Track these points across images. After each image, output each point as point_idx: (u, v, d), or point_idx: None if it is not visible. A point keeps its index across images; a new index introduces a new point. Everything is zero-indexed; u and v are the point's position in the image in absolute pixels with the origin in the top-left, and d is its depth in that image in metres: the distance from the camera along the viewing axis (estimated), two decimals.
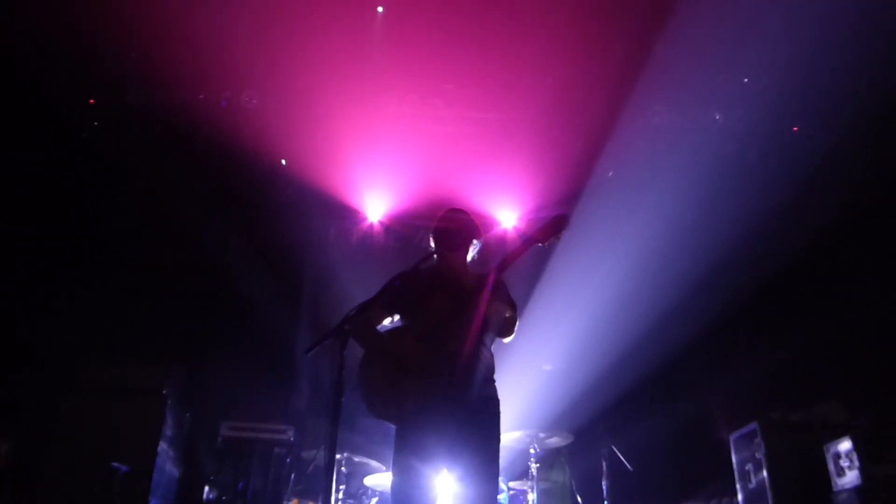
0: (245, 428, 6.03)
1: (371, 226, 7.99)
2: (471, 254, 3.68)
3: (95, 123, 7.24)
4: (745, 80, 6.98)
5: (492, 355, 3.59)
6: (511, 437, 5.58)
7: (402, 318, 3.59)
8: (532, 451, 5.57)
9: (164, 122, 7.25)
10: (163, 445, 5.70)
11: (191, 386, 6.24)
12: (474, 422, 3.35)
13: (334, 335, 3.15)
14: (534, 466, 5.48)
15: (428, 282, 3.58)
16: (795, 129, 7.20)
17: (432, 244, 3.66)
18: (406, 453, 3.31)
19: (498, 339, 3.66)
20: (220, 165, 7.51)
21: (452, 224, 3.65)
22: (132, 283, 7.05)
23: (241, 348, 7.12)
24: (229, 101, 7.20)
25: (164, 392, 5.79)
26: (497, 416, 3.49)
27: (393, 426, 3.42)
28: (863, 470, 4.99)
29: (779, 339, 7.00)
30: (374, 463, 5.52)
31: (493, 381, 3.56)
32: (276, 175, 7.60)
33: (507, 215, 7.95)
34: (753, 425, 5.91)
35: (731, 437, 6.31)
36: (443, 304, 3.46)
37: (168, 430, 5.80)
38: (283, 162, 7.59)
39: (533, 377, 6.45)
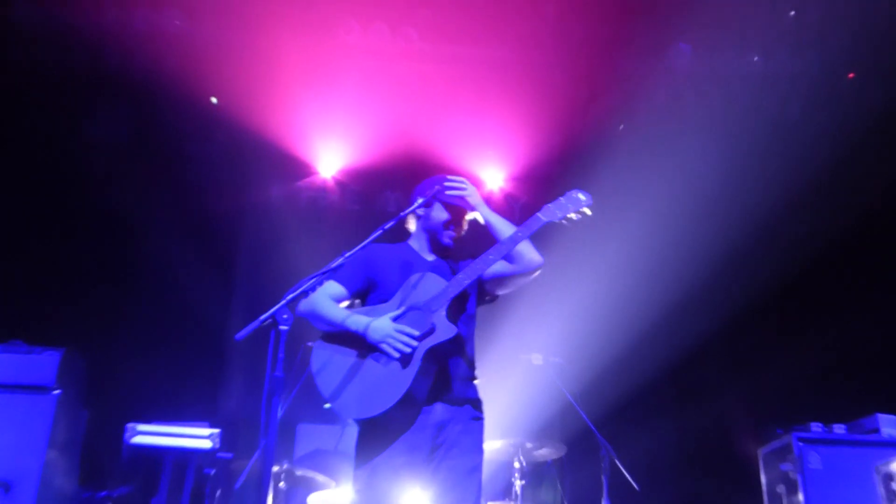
0: (158, 432, 5.92)
1: (324, 184, 8.02)
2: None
3: None
4: (792, 12, 6.93)
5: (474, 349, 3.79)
6: (491, 447, 5.52)
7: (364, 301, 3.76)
8: (517, 464, 5.56)
9: (61, 46, 7.10)
10: (51, 453, 5.59)
11: (90, 379, 6.17)
12: (454, 429, 3.50)
13: (273, 317, 3.14)
14: (518, 484, 5.49)
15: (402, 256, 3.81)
16: (851, 75, 7.18)
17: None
18: (374, 462, 3.41)
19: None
20: (133, 104, 7.43)
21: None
22: (15, 249, 7.01)
23: (156, 333, 7.09)
24: (146, 22, 7.07)
25: (54, 387, 5.69)
26: (481, 420, 3.64)
27: (355, 430, 3.53)
28: None
29: (820, 334, 7.03)
30: (320, 477, 5.46)
31: (475, 378, 3.73)
32: (205, 118, 7.56)
33: (493, 174, 8.01)
34: (787, 438, 5.91)
35: (760, 452, 6.34)
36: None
37: (58, 435, 5.68)
38: (214, 101, 7.54)
39: (519, 373, 6.38)
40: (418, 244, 3.87)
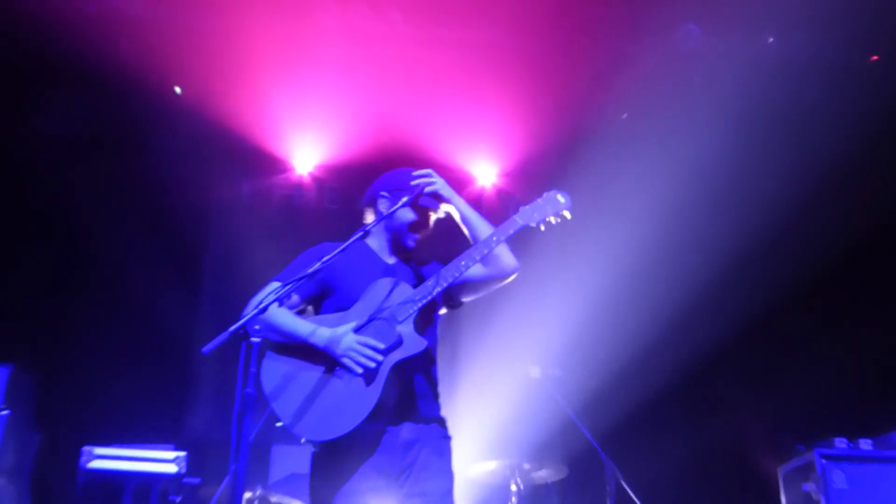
0: (118, 456, 5.85)
1: (299, 181, 8.04)
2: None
3: None
4: None
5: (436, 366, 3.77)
6: (485, 468, 5.61)
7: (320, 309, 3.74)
8: (514, 487, 5.59)
9: (6, 31, 7.04)
10: None
11: (40, 398, 6.18)
12: (423, 450, 3.49)
13: (243, 328, 3.16)
14: None
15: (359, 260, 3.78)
16: (875, 57, 7.18)
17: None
18: (338, 488, 3.37)
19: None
20: (86, 95, 7.39)
21: None
22: None
23: (113, 346, 7.07)
24: (99, 4, 7.00)
25: (2, 407, 5.68)
26: (450, 440, 3.63)
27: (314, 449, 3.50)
28: None
29: (844, 342, 7.06)
30: (296, 503, 5.47)
31: (439, 395, 3.72)
32: (168, 109, 7.55)
33: (485, 170, 8.04)
34: (809, 455, 5.88)
35: (780, 471, 6.32)
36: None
37: (6, 459, 5.68)
38: (178, 90, 7.54)
39: (515, 387, 6.44)
40: (377, 244, 3.82)
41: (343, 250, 3.52)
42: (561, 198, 3.74)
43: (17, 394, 5.79)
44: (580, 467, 6.20)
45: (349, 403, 3.35)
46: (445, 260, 3.78)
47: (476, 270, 3.67)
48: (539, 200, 3.74)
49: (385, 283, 3.58)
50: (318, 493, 3.42)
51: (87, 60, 7.12)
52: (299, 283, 3.35)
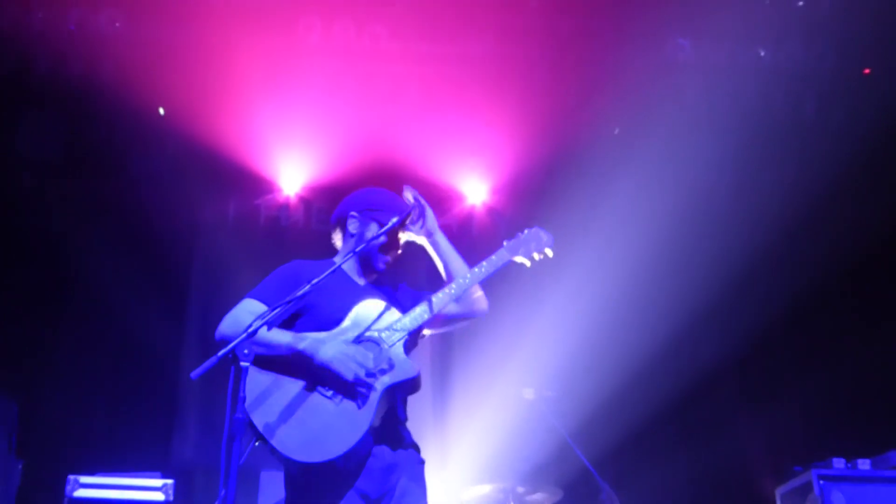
0: (103, 484, 5.79)
1: (286, 201, 7.99)
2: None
3: None
4: (800, 2, 7.01)
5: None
6: (479, 492, 5.62)
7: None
8: None
9: None
10: None
11: (24, 425, 6.15)
12: (402, 474, 3.48)
13: (232, 352, 3.11)
14: None
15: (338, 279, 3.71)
16: (867, 71, 7.26)
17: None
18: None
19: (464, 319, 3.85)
20: (66, 116, 7.41)
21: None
22: None
23: (97, 372, 7.07)
24: (80, 25, 7.06)
25: None
26: (424, 464, 3.62)
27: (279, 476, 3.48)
28: None
29: (840, 361, 7.09)
30: None
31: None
32: (150, 130, 7.52)
33: (475, 187, 8.00)
34: (807, 476, 5.87)
35: (777, 493, 6.28)
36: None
37: None
38: (161, 112, 7.53)
39: (508, 409, 6.45)
40: (348, 266, 3.77)
41: (314, 268, 3.56)
42: (544, 235, 3.87)
43: (1, 422, 5.81)
44: (575, 490, 6.19)
45: (339, 425, 3.31)
46: (411, 283, 3.85)
47: (451, 306, 3.70)
48: (522, 235, 3.85)
49: (372, 305, 3.57)
50: None
51: (69, 81, 7.16)
52: (288, 305, 3.29)
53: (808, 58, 7.20)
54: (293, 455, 3.26)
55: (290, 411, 3.33)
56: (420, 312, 3.57)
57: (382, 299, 3.64)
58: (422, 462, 3.61)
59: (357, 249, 3.63)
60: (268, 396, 3.35)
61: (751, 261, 7.17)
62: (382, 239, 3.70)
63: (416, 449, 3.61)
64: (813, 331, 7.41)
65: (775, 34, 7.17)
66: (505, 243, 3.82)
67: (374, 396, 3.35)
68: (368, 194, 3.86)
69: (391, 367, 3.43)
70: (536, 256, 3.85)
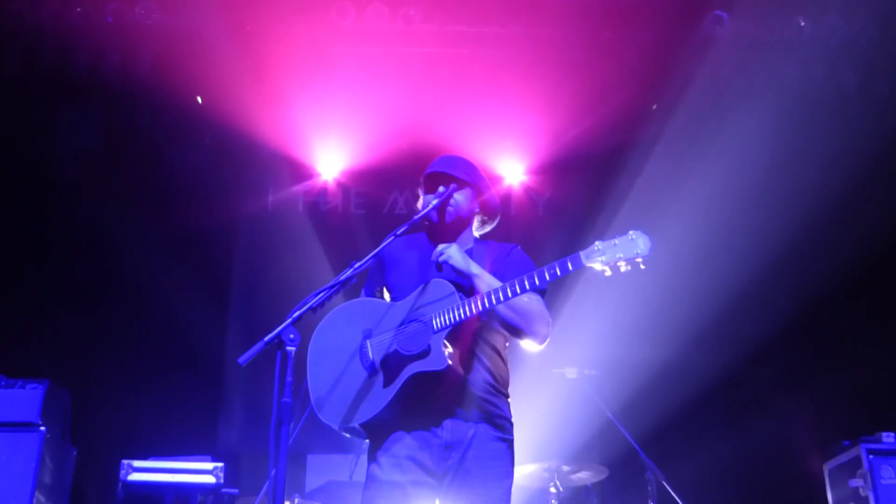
0: (156, 468, 5.92)
1: (325, 187, 8.01)
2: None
3: None
4: None
5: (502, 360, 3.71)
6: (523, 472, 5.59)
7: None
8: (553, 490, 5.62)
9: (22, 48, 7.20)
10: (39, 496, 5.64)
11: (76, 414, 6.21)
12: (472, 453, 3.47)
13: (278, 337, 3.14)
14: None
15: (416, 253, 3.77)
16: None
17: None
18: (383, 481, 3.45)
19: (517, 344, 3.70)
20: (107, 108, 7.52)
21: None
22: None
23: (145, 360, 7.17)
24: (118, 16, 7.14)
25: (40, 423, 5.73)
26: (509, 443, 3.61)
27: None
28: None
29: (890, 334, 7.07)
30: None
31: (502, 394, 3.67)
32: (189, 120, 7.59)
33: (512, 167, 7.99)
34: (856, 451, 5.94)
35: (826, 468, 6.37)
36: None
37: (46, 475, 5.74)
38: (199, 100, 7.58)
39: (551, 388, 6.43)
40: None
41: (404, 246, 3.76)
42: (641, 243, 3.30)
43: (53, 411, 5.85)
44: (620, 468, 6.22)
45: (363, 398, 3.47)
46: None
47: (503, 310, 3.45)
48: (614, 241, 3.33)
49: (438, 286, 3.53)
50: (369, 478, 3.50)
51: (107, 73, 7.26)
52: (332, 290, 3.29)
53: (849, 28, 7.10)
54: (329, 420, 3.51)
55: (334, 375, 3.57)
56: (472, 302, 3.40)
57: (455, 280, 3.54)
58: (497, 439, 3.52)
59: (399, 229, 3.60)
60: (322, 361, 3.62)
61: (796, 238, 7.11)
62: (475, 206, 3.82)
63: (496, 426, 3.54)
64: (861, 305, 7.34)
65: (815, 3, 7.09)
66: (588, 246, 3.36)
67: (400, 379, 3.43)
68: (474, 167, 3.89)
69: (425, 353, 3.43)
70: (623, 267, 3.33)
